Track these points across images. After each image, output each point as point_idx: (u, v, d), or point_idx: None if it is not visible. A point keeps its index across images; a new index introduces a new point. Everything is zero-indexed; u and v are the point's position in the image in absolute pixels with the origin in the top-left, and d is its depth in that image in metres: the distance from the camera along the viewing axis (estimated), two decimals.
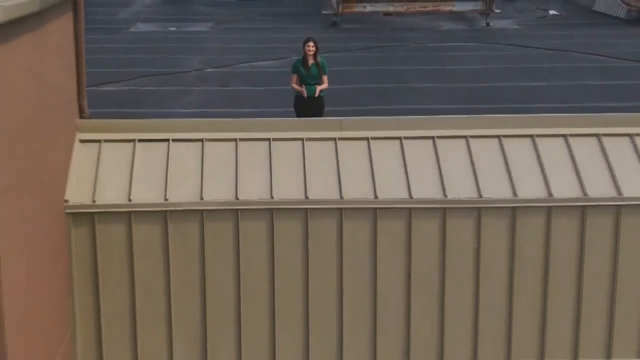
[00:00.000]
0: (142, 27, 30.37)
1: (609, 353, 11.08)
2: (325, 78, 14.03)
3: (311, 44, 13.88)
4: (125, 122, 11.44)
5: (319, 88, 13.89)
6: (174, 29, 30.24)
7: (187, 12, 34.87)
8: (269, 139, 11.24)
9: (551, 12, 34.64)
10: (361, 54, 24.51)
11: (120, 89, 18.58)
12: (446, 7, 31.59)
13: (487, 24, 30.47)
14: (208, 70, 21.32)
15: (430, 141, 11.28)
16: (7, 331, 8.15)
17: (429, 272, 10.69)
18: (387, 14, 32.39)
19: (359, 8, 31.53)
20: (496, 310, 10.79)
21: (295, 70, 14.10)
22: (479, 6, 31.23)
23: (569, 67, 21.44)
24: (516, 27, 30.36)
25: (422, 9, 31.63)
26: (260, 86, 19.40)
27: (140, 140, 11.09)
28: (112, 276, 10.60)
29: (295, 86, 14.03)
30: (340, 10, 31.05)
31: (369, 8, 31.73)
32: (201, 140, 11.20)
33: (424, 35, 28.16)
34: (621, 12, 32.14)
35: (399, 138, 11.29)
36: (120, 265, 10.58)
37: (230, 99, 17.94)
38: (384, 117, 11.94)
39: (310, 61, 13.81)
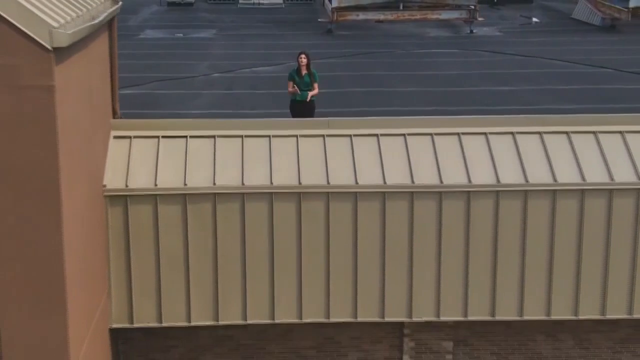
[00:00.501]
0: (150, 33, 32.58)
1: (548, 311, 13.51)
2: (316, 85, 16.41)
3: (303, 56, 16.30)
4: (150, 121, 13.86)
5: (310, 94, 16.28)
6: (180, 35, 32.47)
7: (191, 19, 37.03)
8: (269, 136, 13.64)
9: (534, 19, 36.86)
10: (353, 60, 26.77)
11: (138, 92, 20.85)
12: (433, 16, 33.93)
13: (471, 31, 32.74)
14: (214, 75, 23.67)
15: (402, 138, 13.68)
16: (67, 286, 10.55)
17: (399, 241, 13.09)
18: (378, 21, 34.70)
19: (352, 16, 33.84)
20: (454, 270, 13.19)
21: (290, 78, 16.48)
22: (463, 15, 33.56)
23: (536, 72, 23.74)
24: (498, 34, 32.62)
25: (410, 17, 33.97)
26: (261, 90, 21.69)
27: (163, 137, 13.50)
28: (141, 246, 12.99)
29: (291, 89, 16.40)
30: (335, 18, 33.31)
31: (361, 16, 34.06)
32: (213, 136, 13.60)
33: (412, 42, 30.42)
34: (596, 19, 34.44)
35: (376, 135, 13.70)
36: (148, 238, 12.97)
37: (234, 101, 20.28)
38: (364, 117, 14.36)
39: (304, 71, 16.21)
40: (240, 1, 41.47)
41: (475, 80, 22.78)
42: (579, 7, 36.46)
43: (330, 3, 34.01)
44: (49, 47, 9.81)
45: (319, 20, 34.73)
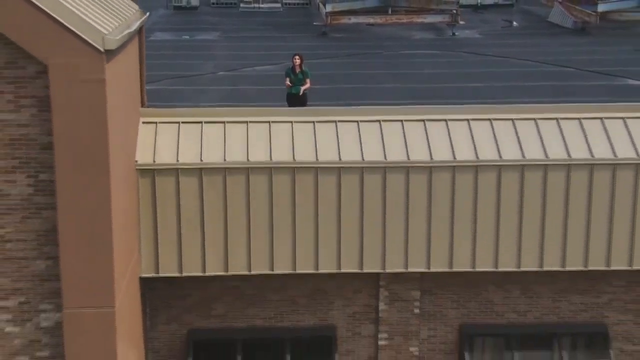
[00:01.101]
0: (160, 35, 35.55)
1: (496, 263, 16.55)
2: (308, 81, 19.60)
3: (297, 57, 19.49)
4: (172, 110, 16.93)
5: (302, 88, 19.46)
6: (187, 37, 35.50)
7: (196, 22, 40.04)
8: (269, 122, 16.68)
9: (515, 23, 39.87)
10: (344, 60, 29.79)
11: (153, 88, 23.76)
12: (419, 19, 37.04)
13: (453, 34, 35.78)
14: (220, 73, 26.72)
15: (377, 123, 16.72)
16: (113, 235, 13.60)
17: (374, 207, 16.12)
18: (369, 24, 37.75)
19: (345, 20, 36.92)
20: (419, 230, 16.22)
21: (287, 75, 19.69)
22: (446, 18, 36.65)
23: (505, 71, 26.81)
24: (477, 36, 35.65)
25: (398, 21, 37.07)
26: (262, 86, 24.69)
27: (183, 122, 16.54)
28: (165, 210, 16.00)
29: (287, 83, 19.63)
30: (329, 21, 36.36)
31: (353, 20, 37.15)
32: (223, 122, 16.64)
33: (399, 44, 33.45)
34: (568, 22, 37.51)
35: (357, 121, 16.75)
36: (171, 203, 15.99)
37: (239, 95, 23.30)
38: (346, 107, 17.42)
39: (297, 70, 19.37)
40: (241, 5, 44.54)
41: (449, 78, 25.84)
42: (554, 11, 39.52)
43: (325, 7, 37.06)
44: (102, 50, 12.86)
45: (315, 23, 37.73)
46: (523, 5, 44.97)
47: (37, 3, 12.63)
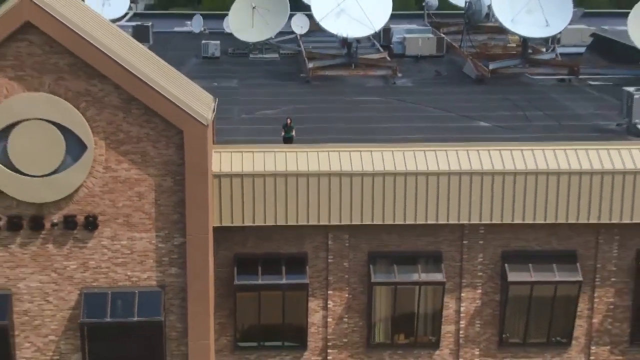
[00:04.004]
0: (198, 83, 52.72)
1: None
2: (294, 131, 37.41)
3: (288, 119, 37.33)
4: (227, 145, 34.76)
5: (292, 134, 37.42)
6: (216, 84, 52.57)
7: (219, 70, 56.59)
8: (274, 152, 34.43)
9: (445, 73, 56.69)
10: (317, 105, 46.90)
11: None
12: (371, 72, 54.65)
13: (394, 83, 53.11)
14: (243, 116, 44.06)
15: (326, 153, 34.46)
16: (208, 201, 31.45)
17: (324, 190, 33.97)
18: (339, 76, 55.32)
19: (322, 72, 54.41)
20: (346, 201, 34.12)
21: (283, 127, 37.50)
22: (389, 72, 54.29)
23: (411, 115, 43.61)
24: (410, 85, 52.77)
25: (357, 73, 54.61)
26: (269, 125, 41.92)
27: (233, 152, 34.28)
28: (225, 195, 33.64)
29: (283, 134, 37.55)
30: (311, 74, 53.96)
31: (328, 72, 54.72)
32: (252, 151, 34.38)
33: (355, 91, 50.39)
34: (472, 73, 54.78)
35: (317, 151, 34.49)
36: (227, 191, 33.64)
37: (257, 133, 40.67)
38: (311, 144, 35.19)
39: (288, 125, 37.24)
40: (250, 55, 62.01)
41: (374, 119, 43.21)
42: (467, 64, 56.83)
43: (308, 63, 54.73)
44: (206, 124, 30.75)
45: (301, 75, 55.39)
46: (452, 56, 61.90)
47: (180, 106, 30.50)
